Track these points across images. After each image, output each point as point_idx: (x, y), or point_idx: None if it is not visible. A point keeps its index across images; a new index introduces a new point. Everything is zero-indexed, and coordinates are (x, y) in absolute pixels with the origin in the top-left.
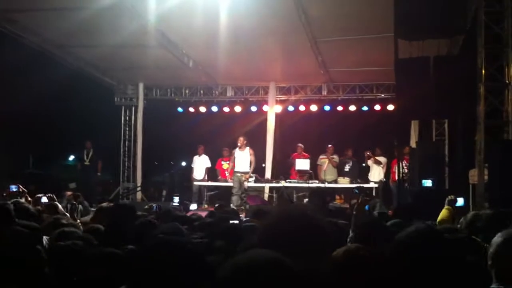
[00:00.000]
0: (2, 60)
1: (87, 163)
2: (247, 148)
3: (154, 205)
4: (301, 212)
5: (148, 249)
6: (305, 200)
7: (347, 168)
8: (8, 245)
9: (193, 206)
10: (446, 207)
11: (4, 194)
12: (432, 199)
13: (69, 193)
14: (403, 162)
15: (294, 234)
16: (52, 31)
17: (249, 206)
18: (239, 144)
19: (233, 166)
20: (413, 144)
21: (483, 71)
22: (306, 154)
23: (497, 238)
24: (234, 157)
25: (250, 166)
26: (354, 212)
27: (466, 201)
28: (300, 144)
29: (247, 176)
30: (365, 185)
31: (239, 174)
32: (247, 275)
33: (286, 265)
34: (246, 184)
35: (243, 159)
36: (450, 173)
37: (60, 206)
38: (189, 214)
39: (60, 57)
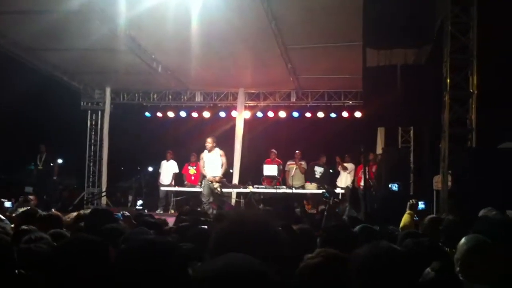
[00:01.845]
0: None
1: (40, 167)
2: (216, 149)
3: (119, 214)
4: (254, 217)
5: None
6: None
7: (317, 174)
8: None
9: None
10: (407, 211)
11: None
12: (397, 204)
13: (31, 197)
14: (369, 168)
15: (245, 239)
16: (20, 33)
17: (217, 211)
18: (208, 146)
19: (200, 171)
20: (379, 150)
21: (448, 80)
22: (279, 160)
23: (463, 245)
24: (204, 161)
25: (221, 168)
26: (325, 214)
27: (427, 205)
28: (273, 150)
29: (217, 178)
30: (333, 190)
31: (209, 181)
32: (224, 280)
33: (261, 270)
34: (218, 188)
35: (213, 161)
36: (415, 179)
37: None
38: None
39: (28, 61)
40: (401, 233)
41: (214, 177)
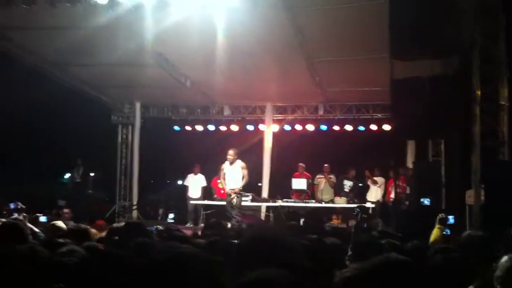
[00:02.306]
0: None
1: (78, 180)
2: (238, 161)
3: (153, 228)
4: (269, 232)
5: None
6: (301, 220)
7: (346, 188)
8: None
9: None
10: (437, 226)
11: (4, 212)
12: (429, 218)
13: (66, 210)
14: (399, 182)
15: (264, 253)
16: (49, 49)
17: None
18: (229, 158)
19: (224, 184)
20: (409, 164)
21: (478, 92)
22: (308, 174)
23: (505, 262)
24: (224, 173)
25: (242, 180)
26: (353, 230)
27: (456, 219)
28: (301, 164)
29: (236, 190)
30: (366, 205)
31: (227, 194)
32: None
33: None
34: (235, 200)
35: (233, 174)
36: (447, 193)
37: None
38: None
39: (57, 76)
40: (431, 248)
41: (232, 189)
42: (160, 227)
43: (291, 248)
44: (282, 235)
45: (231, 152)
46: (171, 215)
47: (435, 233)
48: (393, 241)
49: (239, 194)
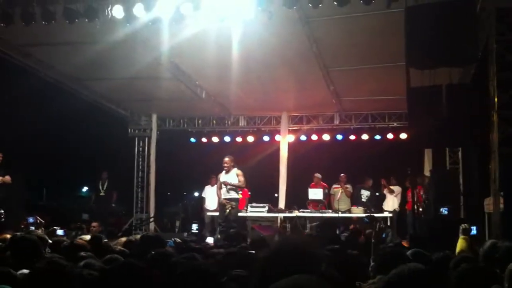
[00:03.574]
0: (17, 92)
1: (102, 193)
2: (234, 169)
3: (170, 241)
4: (294, 243)
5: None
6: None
7: (364, 198)
8: None
9: (210, 240)
10: (462, 236)
11: (22, 226)
12: (447, 228)
13: (94, 224)
14: (417, 191)
15: (287, 265)
16: (66, 64)
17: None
18: (225, 166)
19: (220, 193)
20: (427, 172)
21: (496, 99)
22: (324, 184)
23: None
24: (220, 182)
25: (237, 190)
26: (373, 241)
27: (478, 230)
28: (317, 174)
29: (232, 204)
30: (379, 215)
31: (224, 203)
32: None
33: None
34: (230, 211)
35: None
36: (465, 201)
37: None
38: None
39: (75, 90)
40: (455, 258)
41: (226, 199)
42: (178, 240)
43: (318, 259)
44: (308, 246)
45: (226, 159)
46: (194, 226)
47: (461, 244)
48: (419, 251)
49: (234, 205)
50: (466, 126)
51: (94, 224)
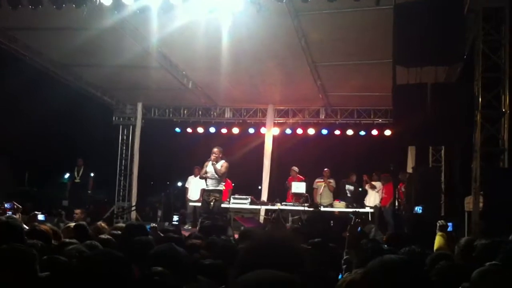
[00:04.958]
0: (1, 77)
1: (77, 180)
2: (222, 161)
3: (147, 226)
4: (280, 236)
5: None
6: (303, 222)
7: (349, 193)
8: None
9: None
10: (439, 233)
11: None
12: (427, 225)
13: (77, 211)
14: (399, 188)
15: (272, 257)
16: (54, 50)
17: (243, 228)
18: (213, 156)
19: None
20: (409, 169)
21: (480, 99)
22: (301, 177)
23: (474, 274)
24: (206, 171)
25: (221, 181)
26: (347, 234)
27: (454, 226)
28: (294, 168)
29: (216, 195)
30: (361, 210)
31: (207, 194)
32: None
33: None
34: (214, 203)
35: (214, 174)
36: (446, 199)
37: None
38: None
39: (61, 76)
40: (432, 254)
41: (209, 190)
42: (155, 225)
43: (301, 253)
44: (291, 240)
45: (215, 150)
46: (175, 217)
47: (439, 241)
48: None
49: (218, 197)
50: (450, 125)
51: (77, 211)
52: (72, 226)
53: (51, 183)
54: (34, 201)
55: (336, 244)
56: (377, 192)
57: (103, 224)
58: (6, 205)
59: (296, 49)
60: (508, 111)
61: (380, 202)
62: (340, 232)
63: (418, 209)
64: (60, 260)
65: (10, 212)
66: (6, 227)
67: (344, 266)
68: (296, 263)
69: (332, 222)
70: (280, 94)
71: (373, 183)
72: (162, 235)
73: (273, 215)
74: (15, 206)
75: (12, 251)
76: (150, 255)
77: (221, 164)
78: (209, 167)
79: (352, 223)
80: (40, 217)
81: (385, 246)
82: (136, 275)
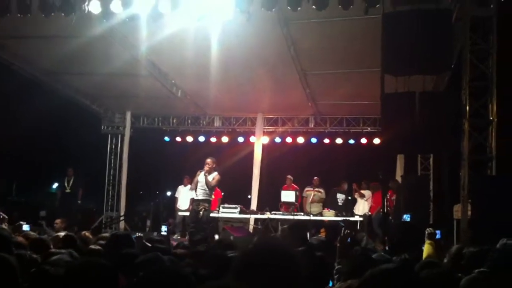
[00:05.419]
0: None
1: (68, 190)
2: (215, 173)
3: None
4: (275, 244)
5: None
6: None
7: (340, 201)
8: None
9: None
10: (427, 241)
11: None
12: (415, 233)
13: (57, 221)
14: (388, 196)
15: (267, 266)
16: (43, 58)
17: (234, 238)
18: (206, 166)
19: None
20: (398, 178)
21: (468, 108)
22: (295, 186)
23: (463, 282)
24: (197, 181)
25: (211, 192)
26: (338, 245)
27: (442, 234)
28: (289, 176)
29: (205, 205)
30: (350, 219)
31: (197, 204)
32: None
33: None
34: (202, 212)
35: (206, 185)
36: (435, 207)
37: None
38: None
39: (50, 85)
40: (420, 262)
41: (199, 200)
42: (140, 234)
43: (296, 260)
44: (285, 247)
45: (208, 160)
46: (164, 228)
47: (427, 249)
48: (384, 255)
49: (207, 207)
50: (438, 133)
51: (57, 221)
52: (60, 236)
53: (39, 192)
54: (21, 210)
55: (324, 253)
56: (366, 200)
57: (87, 234)
58: None
59: (285, 57)
60: (496, 120)
61: (369, 210)
62: (332, 240)
63: (407, 217)
64: (47, 270)
65: None
66: None
67: (336, 276)
68: (291, 267)
69: (309, 232)
70: (269, 103)
71: (362, 191)
72: (148, 244)
73: (262, 224)
74: (1, 216)
75: None
76: (136, 264)
77: (213, 177)
78: (200, 177)
79: (342, 234)
80: (25, 227)
81: (382, 253)
82: (122, 284)
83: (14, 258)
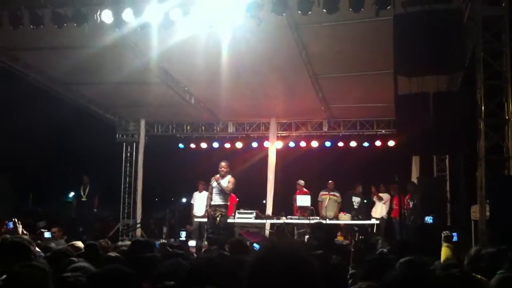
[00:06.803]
0: (5, 97)
1: (84, 199)
2: (229, 176)
3: (156, 243)
4: (289, 248)
5: None
6: (307, 235)
7: (356, 204)
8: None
9: (192, 243)
10: (445, 244)
11: (3, 230)
12: (433, 235)
13: (54, 229)
14: (406, 198)
15: (282, 271)
16: (55, 69)
17: (250, 243)
18: (221, 170)
19: (210, 198)
20: (414, 179)
21: (483, 107)
22: (306, 190)
23: (492, 281)
24: (212, 187)
25: (227, 196)
26: (352, 249)
27: (459, 236)
28: (299, 181)
29: (222, 210)
30: (367, 222)
31: (213, 209)
32: None
33: None
34: (220, 218)
35: (220, 189)
36: (452, 209)
37: None
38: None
39: (63, 95)
40: (439, 264)
41: (217, 206)
42: (164, 241)
43: (312, 267)
44: (301, 252)
45: (223, 164)
46: (183, 233)
47: (445, 252)
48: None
49: (224, 212)
50: (453, 134)
51: (54, 229)
52: (76, 245)
53: (55, 202)
54: (37, 220)
55: (341, 256)
56: (384, 203)
57: (105, 242)
58: (8, 225)
59: (296, 62)
60: None
61: (390, 213)
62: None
63: (429, 219)
64: (68, 279)
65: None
66: (13, 247)
67: (350, 281)
68: (306, 273)
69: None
70: (282, 107)
71: (380, 194)
72: (171, 250)
73: (277, 228)
74: (18, 223)
75: (24, 275)
76: (159, 270)
77: (228, 180)
78: (214, 183)
79: (356, 239)
80: (47, 234)
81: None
82: None
83: (47, 264)
